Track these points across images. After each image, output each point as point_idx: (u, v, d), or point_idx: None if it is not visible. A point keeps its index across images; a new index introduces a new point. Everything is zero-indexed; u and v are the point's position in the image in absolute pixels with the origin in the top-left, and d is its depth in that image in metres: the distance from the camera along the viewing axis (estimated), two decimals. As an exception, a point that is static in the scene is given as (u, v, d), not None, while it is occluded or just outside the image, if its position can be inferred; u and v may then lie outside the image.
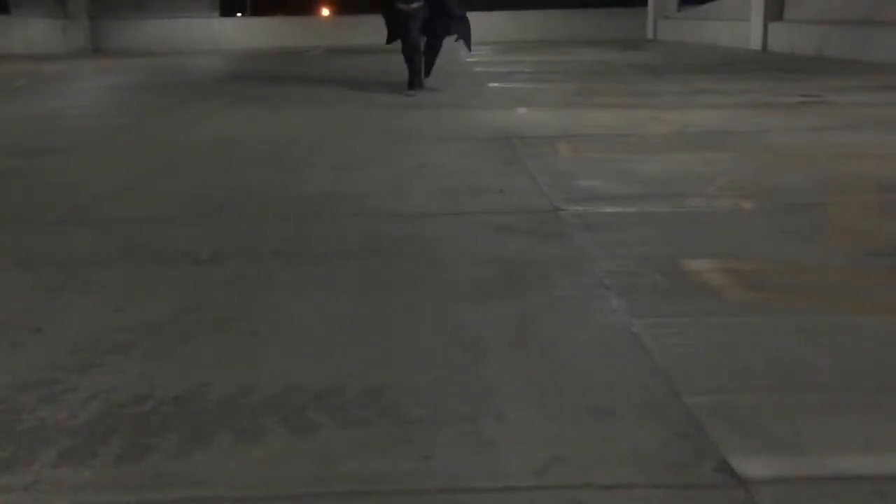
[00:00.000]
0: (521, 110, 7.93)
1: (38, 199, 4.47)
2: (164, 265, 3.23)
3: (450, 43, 9.96)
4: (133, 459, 1.81)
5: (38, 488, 1.71)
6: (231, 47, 25.06)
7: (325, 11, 38.07)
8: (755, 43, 17.30)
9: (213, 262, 3.26)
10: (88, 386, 2.16)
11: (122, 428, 1.94)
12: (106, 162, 5.68)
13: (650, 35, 25.88)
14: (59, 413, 2.02)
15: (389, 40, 9.37)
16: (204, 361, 2.32)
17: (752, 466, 1.74)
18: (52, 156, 5.86)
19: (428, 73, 9.53)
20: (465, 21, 9.48)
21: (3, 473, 1.76)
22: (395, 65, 10.34)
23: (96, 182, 4.94)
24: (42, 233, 3.78)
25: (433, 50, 9.49)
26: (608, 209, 3.94)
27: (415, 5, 8.83)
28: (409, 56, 9.23)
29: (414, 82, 9.24)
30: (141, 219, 3.99)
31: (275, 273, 3.11)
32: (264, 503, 1.68)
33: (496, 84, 10.71)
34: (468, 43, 9.67)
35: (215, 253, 3.36)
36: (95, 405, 2.06)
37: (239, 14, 33.09)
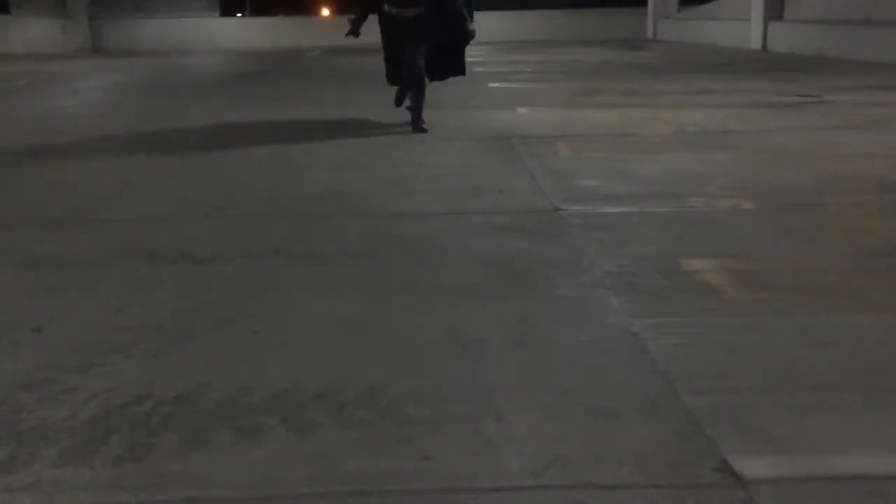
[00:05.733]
0: (522, 110, 7.93)
1: (39, 199, 4.47)
2: (164, 265, 3.23)
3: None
4: (133, 459, 1.81)
5: (38, 488, 1.71)
6: (231, 47, 25.05)
7: (326, 11, 38.06)
8: (755, 43, 17.30)
9: (213, 261, 3.25)
10: (88, 386, 2.16)
11: (122, 428, 1.94)
12: (106, 162, 5.68)
13: (650, 35, 25.88)
14: (59, 413, 2.02)
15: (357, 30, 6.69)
16: (204, 361, 2.32)
17: (752, 466, 1.74)
18: (53, 155, 5.85)
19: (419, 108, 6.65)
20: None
21: (3, 473, 1.76)
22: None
23: (97, 182, 4.94)
24: (42, 233, 3.78)
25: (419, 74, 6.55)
26: (608, 209, 3.94)
27: (411, 12, 6.36)
28: (416, 84, 6.53)
29: (418, 116, 6.63)
30: (141, 219, 3.99)
31: (275, 273, 3.11)
32: (264, 503, 1.68)
33: (496, 84, 10.71)
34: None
35: (215, 253, 3.36)
36: (95, 405, 2.06)
37: (239, 14, 33.11)
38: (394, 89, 6.98)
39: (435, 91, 6.80)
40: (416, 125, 6.53)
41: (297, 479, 1.74)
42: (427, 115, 6.59)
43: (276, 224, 3.83)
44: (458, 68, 6.91)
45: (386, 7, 6.41)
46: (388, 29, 6.49)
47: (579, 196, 4.23)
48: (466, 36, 6.52)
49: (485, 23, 6.94)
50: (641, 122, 6.94)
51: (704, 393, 2.06)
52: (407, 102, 6.65)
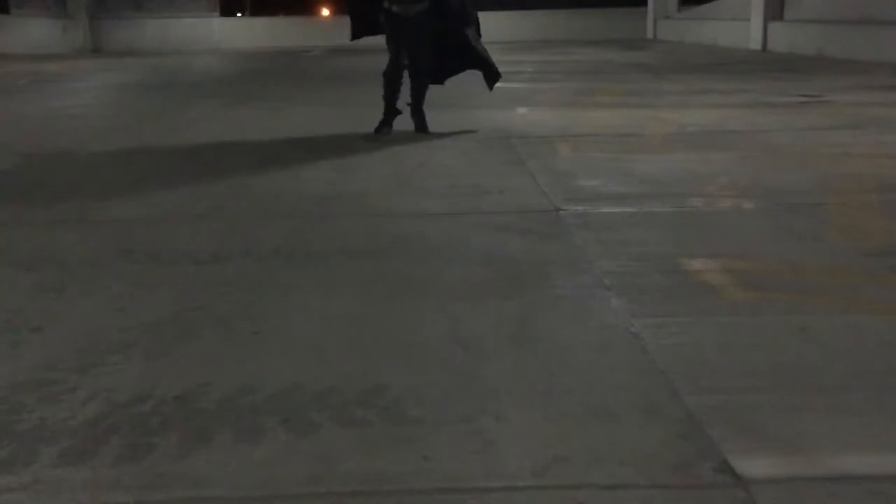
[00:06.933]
0: (522, 110, 7.93)
1: (39, 199, 4.47)
2: (164, 265, 3.23)
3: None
4: (133, 459, 1.81)
5: (38, 488, 1.71)
6: (231, 47, 25.04)
7: (325, 11, 38.06)
8: (755, 43, 17.29)
9: (213, 261, 3.25)
10: (88, 386, 2.16)
11: (122, 428, 1.94)
12: (106, 162, 5.68)
13: (650, 35, 25.87)
14: (59, 413, 2.02)
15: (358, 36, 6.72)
16: (204, 361, 2.32)
17: (753, 466, 1.74)
18: (53, 155, 5.86)
19: (419, 113, 6.52)
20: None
21: (3, 473, 1.76)
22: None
23: (97, 182, 4.94)
24: (42, 233, 3.78)
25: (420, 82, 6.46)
26: (608, 209, 3.94)
27: (417, 8, 6.12)
28: (417, 85, 6.45)
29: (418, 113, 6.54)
30: (141, 218, 3.99)
31: (275, 273, 3.11)
32: (264, 503, 1.68)
33: (496, 84, 10.69)
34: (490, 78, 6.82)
35: (215, 252, 3.36)
36: (95, 405, 2.06)
37: (239, 14, 33.09)
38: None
39: (435, 91, 6.78)
40: (418, 125, 6.49)
41: (297, 479, 1.74)
42: (427, 115, 6.57)
43: (277, 224, 3.83)
44: (487, 70, 6.70)
45: (386, 4, 6.17)
46: (391, 27, 6.25)
47: (579, 196, 4.23)
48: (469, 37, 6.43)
49: (485, 23, 6.89)
50: (642, 122, 6.94)
51: (704, 393, 2.06)
52: (404, 102, 6.55)
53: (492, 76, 6.83)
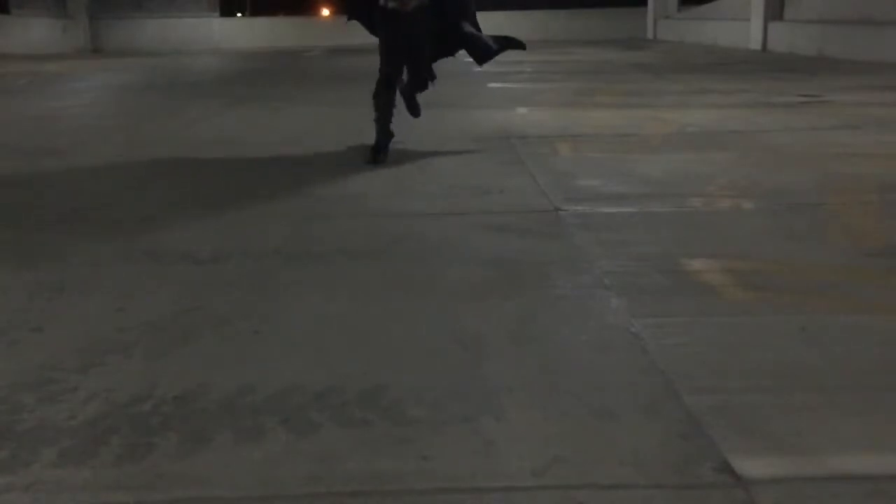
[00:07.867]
0: (521, 110, 7.93)
1: (39, 199, 4.47)
2: (164, 265, 3.23)
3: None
4: (133, 459, 1.81)
5: (38, 488, 1.71)
6: (231, 47, 25.04)
7: (325, 11, 38.07)
8: (755, 43, 17.30)
9: (213, 261, 3.25)
10: (88, 386, 2.16)
11: (122, 428, 1.94)
12: (107, 162, 5.68)
13: (650, 35, 25.87)
14: (59, 413, 2.02)
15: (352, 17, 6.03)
16: (204, 361, 2.32)
17: (753, 466, 1.74)
18: (54, 155, 5.85)
19: (414, 105, 6.13)
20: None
21: (3, 473, 1.76)
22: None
23: (97, 181, 4.94)
24: (42, 233, 3.78)
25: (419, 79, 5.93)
26: (608, 209, 3.94)
27: (415, 3, 5.51)
28: (417, 84, 5.94)
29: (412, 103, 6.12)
30: (141, 218, 3.98)
31: (275, 273, 3.11)
32: (264, 503, 1.68)
33: (496, 84, 10.70)
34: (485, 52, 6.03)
35: (215, 252, 3.36)
36: (95, 405, 2.06)
37: (239, 14, 33.11)
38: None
39: (434, 91, 6.76)
40: (413, 110, 6.11)
41: (297, 479, 1.74)
42: (426, 114, 6.54)
43: (277, 224, 3.83)
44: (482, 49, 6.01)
45: (382, 0, 5.54)
46: (387, 27, 5.61)
47: (579, 196, 4.23)
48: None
49: (485, 22, 6.85)
50: (641, 121, 6.94)
51: (705, 393, 2.06)
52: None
53: (487, 53, 6.12)
